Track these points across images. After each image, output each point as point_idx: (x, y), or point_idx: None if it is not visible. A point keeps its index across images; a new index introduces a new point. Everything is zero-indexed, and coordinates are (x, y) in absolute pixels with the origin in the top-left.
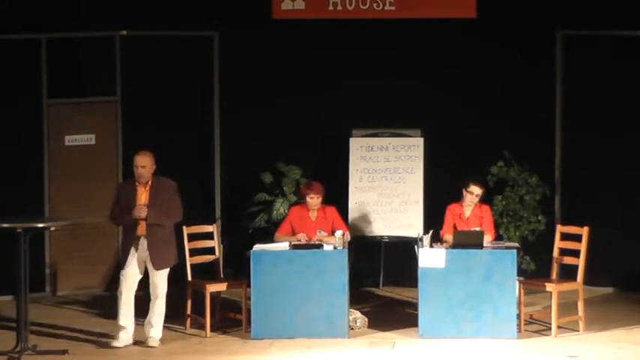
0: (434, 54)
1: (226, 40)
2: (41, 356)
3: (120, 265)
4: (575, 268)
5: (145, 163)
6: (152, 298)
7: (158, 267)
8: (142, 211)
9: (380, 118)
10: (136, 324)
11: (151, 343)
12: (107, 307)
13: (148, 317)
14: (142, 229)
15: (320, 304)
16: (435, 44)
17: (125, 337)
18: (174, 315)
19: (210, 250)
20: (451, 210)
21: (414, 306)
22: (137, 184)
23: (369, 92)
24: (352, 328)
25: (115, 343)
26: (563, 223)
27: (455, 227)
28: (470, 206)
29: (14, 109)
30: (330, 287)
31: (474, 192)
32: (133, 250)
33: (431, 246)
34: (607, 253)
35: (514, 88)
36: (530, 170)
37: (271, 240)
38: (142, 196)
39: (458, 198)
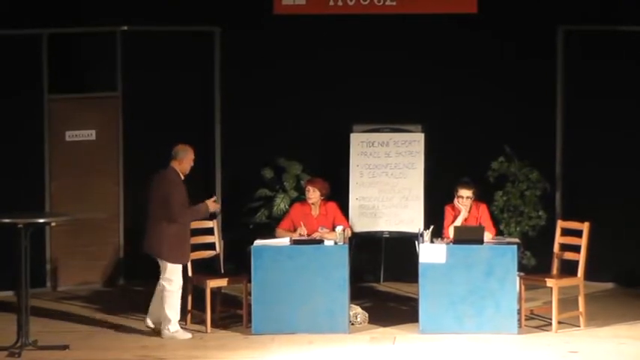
0: (434, 49)
1: (227, 35)
2: (42, 351)
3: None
4: (575, 263)
5: None
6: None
7: None
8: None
9: (381, 113)
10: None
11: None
12: (108, 302)
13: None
14: None
15: (321, 299)
16: (436, 40)
17: None
18: None
19: (211, 246)
20: (449, 210)
21: (414, 301)
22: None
23: (370, 88)
24: (353, 324)
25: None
26: (564, 219)
27: None
28: (466, 207)
29: (15, 105)
30: (331, 283)
31: (464, 195)
32: None
33: (432, 241)
34: (607, 248)
35: (515, 83)
36: (530, 166)
37: (272, 235)
38: None
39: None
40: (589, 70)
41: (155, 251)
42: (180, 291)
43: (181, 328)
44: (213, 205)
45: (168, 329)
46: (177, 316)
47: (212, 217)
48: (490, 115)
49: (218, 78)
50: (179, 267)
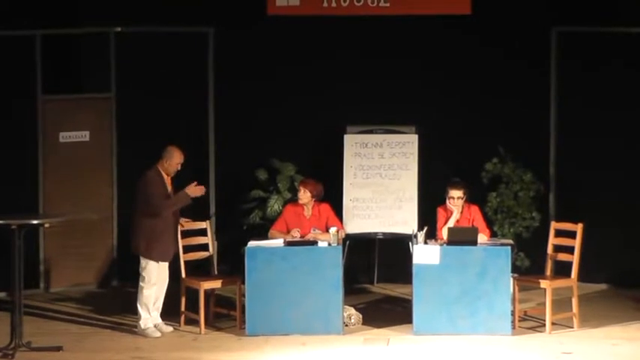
0: (428, 51)
1: (221, 36)
2: (35, 353)
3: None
4: (569, 264)
5: None
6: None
7: None
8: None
9: (374, 114)
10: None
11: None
12: (101, 303)
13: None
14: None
15: (314, 300)
16: (429, 41)
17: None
18: (168, 312)
19: (205, 247)
20: (441, 212)
21: (408, 302)
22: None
23: (364, 89)
24: (347, 325)
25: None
26: (558, 220)
27: None
28: (457, 207)
29: (9, 105)
30: (325, 284)
31: (454, 196)
32: None
33: (425, 242)
34: (601, 249)
35: (508, 84)
36: (524, 167)
37: (266, 236)
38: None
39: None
40: (583, 72)
41: (134, 247)
42: (152, 289)
43: (169, 326)
44: (194, 189)
45: (139, 325)
46: (148, 314)
47: (206, 217)
48: (484, 117)
49: (212, 79)
50: (154, 265)
